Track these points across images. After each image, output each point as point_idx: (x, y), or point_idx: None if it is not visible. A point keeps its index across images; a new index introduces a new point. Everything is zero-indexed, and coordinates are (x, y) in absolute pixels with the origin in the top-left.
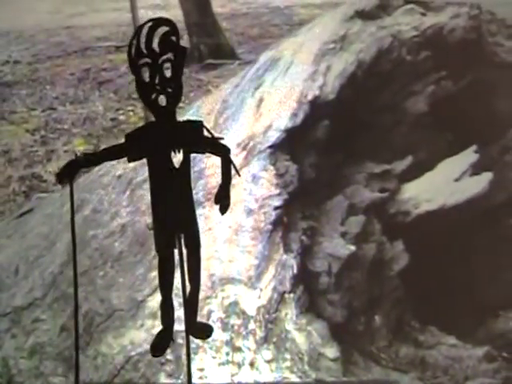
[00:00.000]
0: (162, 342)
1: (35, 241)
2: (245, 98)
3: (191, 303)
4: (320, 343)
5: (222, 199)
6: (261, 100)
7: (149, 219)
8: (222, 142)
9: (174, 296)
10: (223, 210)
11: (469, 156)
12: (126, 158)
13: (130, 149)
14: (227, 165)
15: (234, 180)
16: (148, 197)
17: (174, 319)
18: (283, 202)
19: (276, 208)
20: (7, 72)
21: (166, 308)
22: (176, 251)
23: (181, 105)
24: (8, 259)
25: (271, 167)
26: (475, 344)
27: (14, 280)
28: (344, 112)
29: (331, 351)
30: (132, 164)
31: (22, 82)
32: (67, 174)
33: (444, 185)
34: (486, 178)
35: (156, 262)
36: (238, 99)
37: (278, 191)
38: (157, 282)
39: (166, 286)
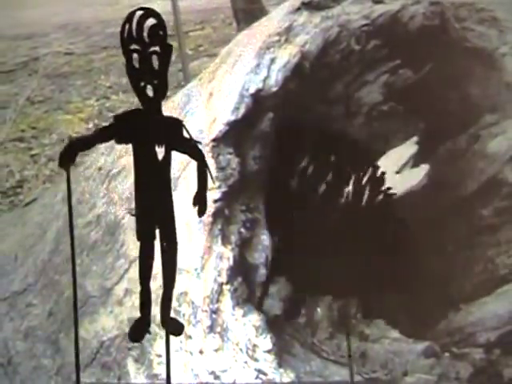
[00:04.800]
0: (138, 330)
1: (32, 229)
2: (201, 92)
3: (165, 298)
4: (254, 334)
5: (199, 203)
6: (211, 94)
7: (120, 210)
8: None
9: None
10: (200, 213)
11: (410, 148)
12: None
13: (117, 131)
14: (203, 169)
15: (184, 173)
16: (121, 188)
17: (150, 308)
18: (222, 194)
19: (215, 201)
20: (64, 63)
21: (143, 297)
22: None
23: None
24: (10, 247)
25: (212, 161)
26: (423, 339)
27: (13, 266)
28: (291, 104)
29: (264, 342)
30: (111, 157)
31: (78, 72)
32: (68, 158)
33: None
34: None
35: (123, 251)
36: (197, 93)
37: (217, 184)
38: (122, 270)
39: (143, 275)
